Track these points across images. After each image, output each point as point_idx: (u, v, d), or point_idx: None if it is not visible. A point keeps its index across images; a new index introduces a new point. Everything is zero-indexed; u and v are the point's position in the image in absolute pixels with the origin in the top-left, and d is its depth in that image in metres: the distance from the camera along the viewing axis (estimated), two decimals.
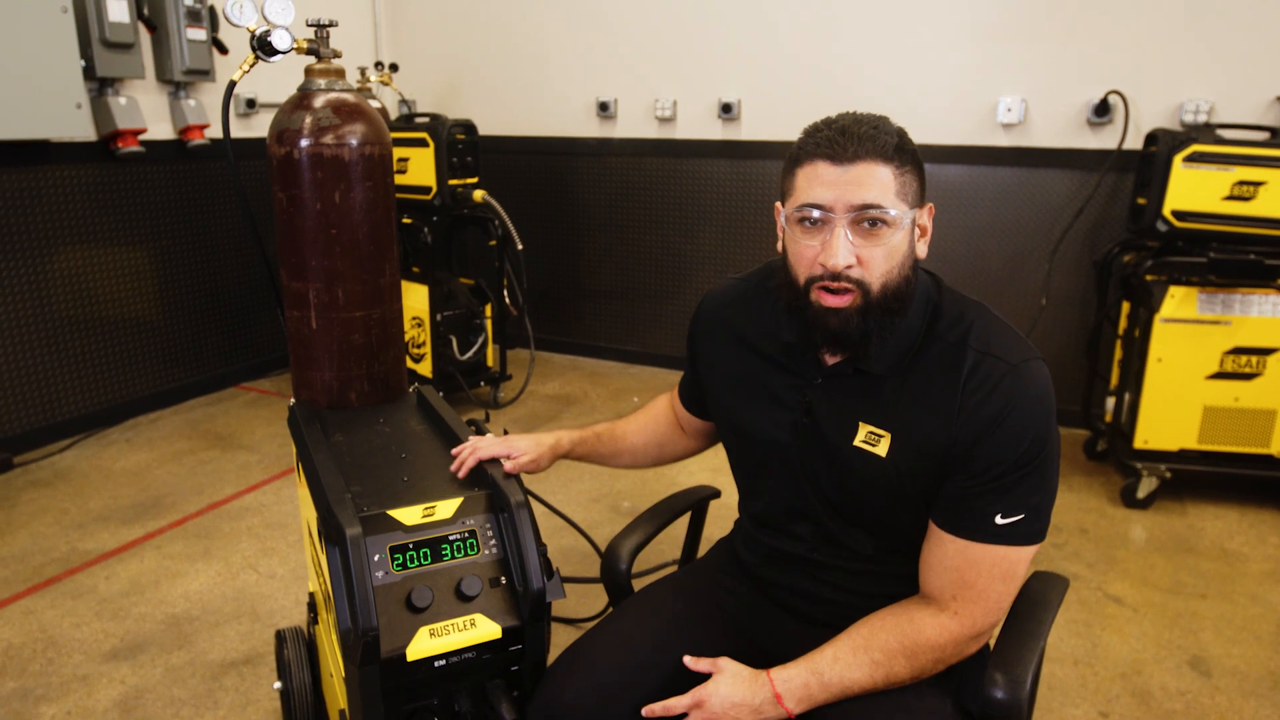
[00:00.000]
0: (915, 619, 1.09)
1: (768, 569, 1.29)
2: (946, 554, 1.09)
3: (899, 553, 1.17)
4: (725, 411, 1.29)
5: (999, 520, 1.05)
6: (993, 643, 1.12)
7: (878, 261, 1.05)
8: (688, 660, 1.17)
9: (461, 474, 1.31)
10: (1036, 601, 1.16)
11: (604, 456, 1.47)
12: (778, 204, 1.14)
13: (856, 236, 1.04)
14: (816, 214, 1.05)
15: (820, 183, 1.04)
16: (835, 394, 1.15)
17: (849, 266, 1.04)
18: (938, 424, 1.07)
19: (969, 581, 1.07)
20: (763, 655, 1.19)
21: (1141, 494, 2.89)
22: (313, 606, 1.66)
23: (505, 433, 1.41)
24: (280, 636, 1.74)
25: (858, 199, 1.03)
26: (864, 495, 1.14)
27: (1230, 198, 2.70)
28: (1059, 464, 1.08)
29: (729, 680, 1.11)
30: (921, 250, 1.12)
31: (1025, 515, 1.05)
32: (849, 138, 1.03)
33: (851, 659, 1.09)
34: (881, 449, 1.11)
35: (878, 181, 1.03)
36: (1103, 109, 3.32)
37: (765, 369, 1.23)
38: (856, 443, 1.13)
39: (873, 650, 1.09)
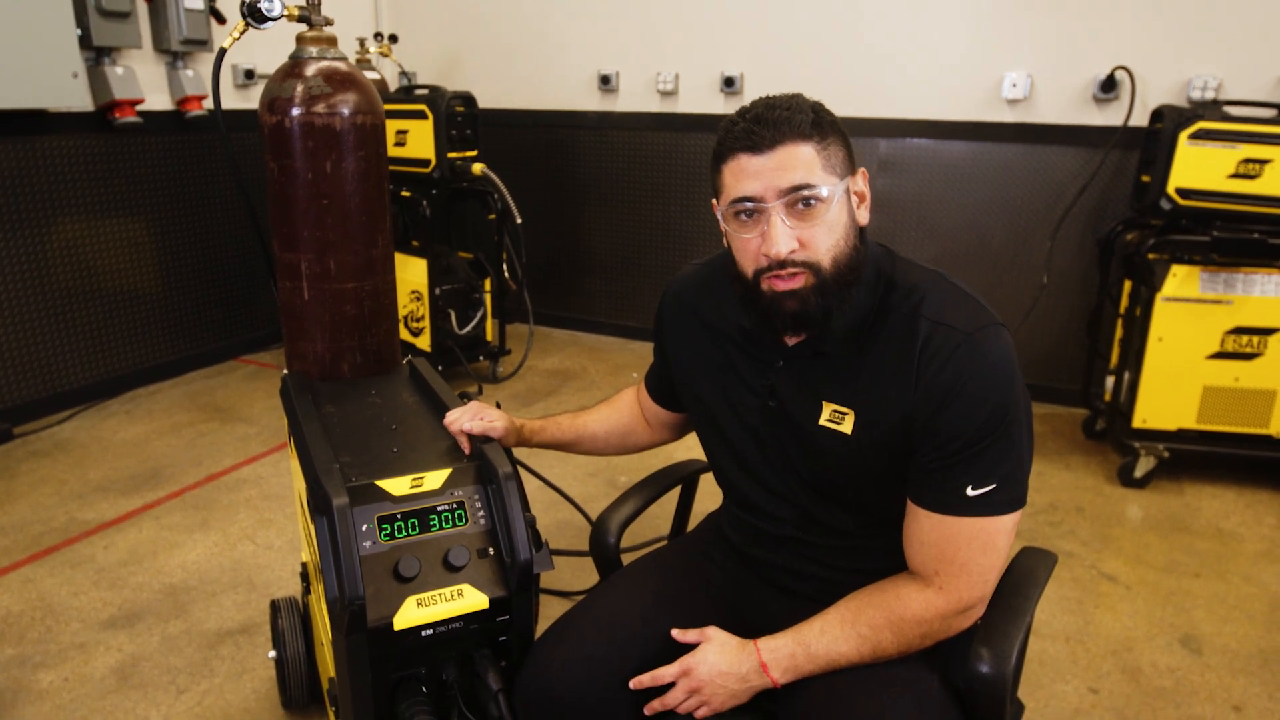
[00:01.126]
0: (902, 594, 1.09)
1: (755, 548, 1.29)
2: (924, 529, 1.08)
3: (882, 527, 1.17)
4: (696, 399, 1.30)
5: (970, 492, 1.04)
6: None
7: (820, 239, 1.05)
8: (675, 633, 1.17)
9: (467, 450, 1.31)
10: (1024, 577, 1.15)
11: (564, 444, 1.49)
12: (713, 200, 1.13)
13: (792, 219, 1.04)
14: (749, 205, 1.05)
15: (746, 175, 1.05)
16: (797, 375, 1.15)
17: (792, 251, 1.04)
18: (896, 398, 1.07)
19: (949, 555, 1.07)
20: (749, 630, 1.19)
21: (1139, 473, 2.89)
22: (305, 577, 1.67)
23: (498, 405, 1.40)
24: (275, 606, 1.76)
25: (785, 182, 1.03)
26: (836, 474, 1.15)
27: (1235, 175, 2.67)
28: (1030, 429, 1.07)
29: (716, 649, 1.12)
30: (863, 217, 1.12)
31: (997, 484, 1.04)
32: (764, 125, 1.04)
33: (839, 632, 1.09)
34: (846, 426, 1.11)
35: (801, 162, 1.03)
36: (1109, 85, 3.28)
37: (731, 354, 1.23)
38: (822, 422, 1.13)
39: (860, 624, 1.09)
